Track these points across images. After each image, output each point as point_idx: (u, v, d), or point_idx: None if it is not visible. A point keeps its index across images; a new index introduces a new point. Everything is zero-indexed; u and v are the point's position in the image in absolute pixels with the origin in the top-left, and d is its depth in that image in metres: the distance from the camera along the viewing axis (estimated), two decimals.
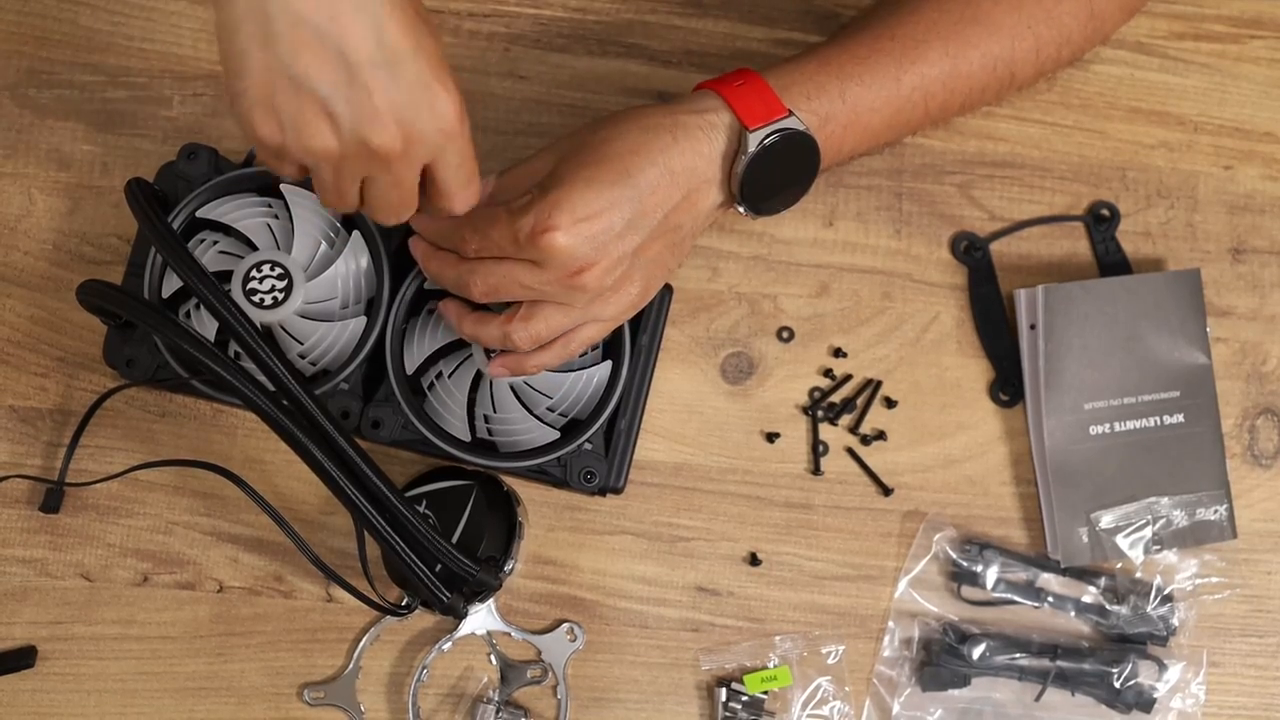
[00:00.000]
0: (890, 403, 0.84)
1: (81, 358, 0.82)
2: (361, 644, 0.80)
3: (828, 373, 0.85)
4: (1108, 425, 0.83)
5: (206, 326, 0.76)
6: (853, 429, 0.84)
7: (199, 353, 0.69)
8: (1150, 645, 0.82)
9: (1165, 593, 0.82)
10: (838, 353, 0.85)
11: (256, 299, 0.76)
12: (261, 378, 0.70)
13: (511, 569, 0.78)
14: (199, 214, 0.79)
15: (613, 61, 0.88)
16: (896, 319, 0.86)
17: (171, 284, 0.77)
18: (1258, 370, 0.86)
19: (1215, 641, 0.83)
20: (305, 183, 0.79)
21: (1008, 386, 0.85)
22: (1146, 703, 0.81)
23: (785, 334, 0.85)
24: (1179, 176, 0.88)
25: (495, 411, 0.78)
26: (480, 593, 0.75)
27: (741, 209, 0.74)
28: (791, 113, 0.72)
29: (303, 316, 0.77)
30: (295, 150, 0.61)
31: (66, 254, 0.84)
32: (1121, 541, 0.82)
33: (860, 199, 0.87)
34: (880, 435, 0.84)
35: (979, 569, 0.82)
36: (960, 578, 0.82)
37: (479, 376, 0.78)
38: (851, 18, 0.87)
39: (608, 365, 0.78)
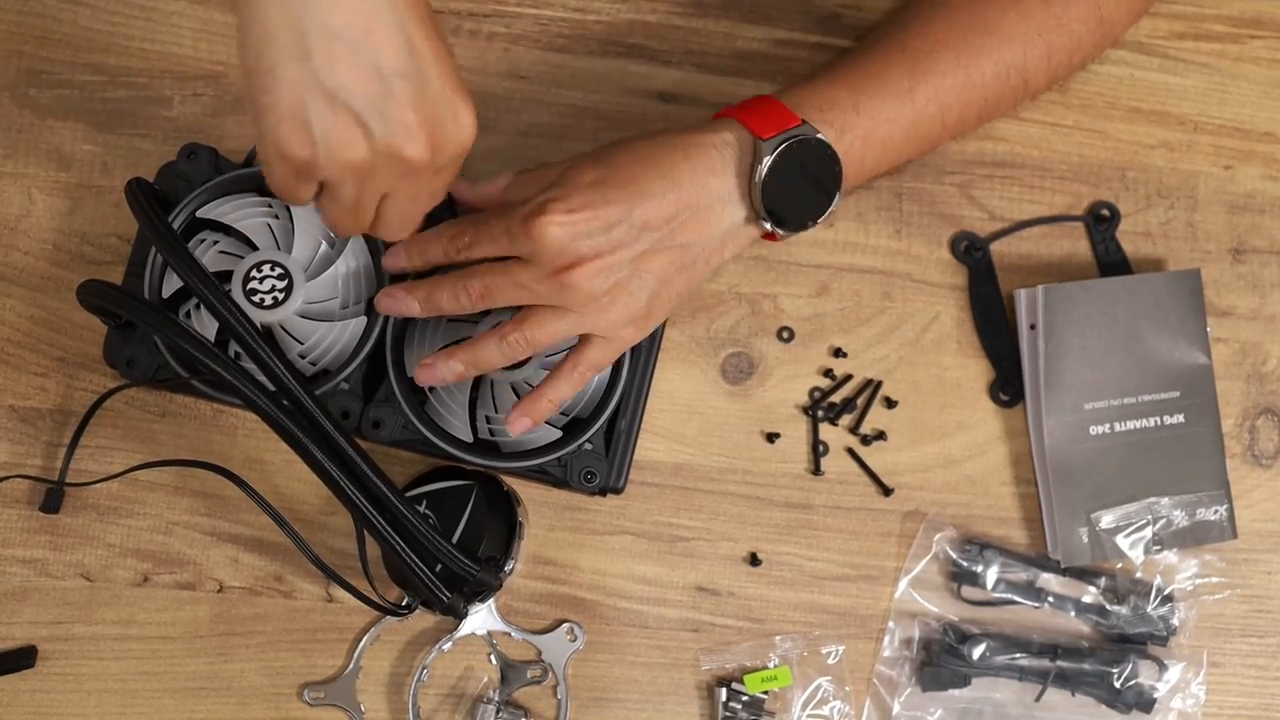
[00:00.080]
0: (890, 403, 0.84)
1: (81, 358, 0.82)
2: (362, 644, 0.80)
3: (828, 373, 0.85)
4: (1108, 425, 0.83)
5: (206, 326, 0.76)
6: (853, 429, 0.84)
7: (199, 353, 0.68)
8: (1150, 645, 0.82)
9: (1165, 593, 0.82)
10: (838, 353, 0.85)
11: (257, 299, 0.76)
12: (262, 378, 0.70)
13: (511, 569, 0.78)
14: (199, 214, 0.79)
15: (613, 61, 0.88)
16: (896, 319, 0.86)
17: (171, 284, 0.77)
18: (1258, 370, 0.86)
19: (1215, 641, 0.83)
20: None
21: (1008, 386, 0.85)
22: (1146, 703, 0.81)
23: (785, 334, 0.85)
24: (1179, 176, 0.88)
25: (496, 411, 0.78)
26: (480, 593, 0.75)
27: (768, 225, 0.73)
28: (805, 122, 0.72)
29: (303, 316, 0.77)
30: (324, 164, 0.60)
31: (66, 254, 0.84)
32: (1121, 541, 0.82)
33: (860, 199, 0.87)
34: (880, 435, 0.84)
35: (979, 569, 0.82)
36: (960, 578, 0.82)
37: (480, 376, 0.78)
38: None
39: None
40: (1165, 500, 0.83)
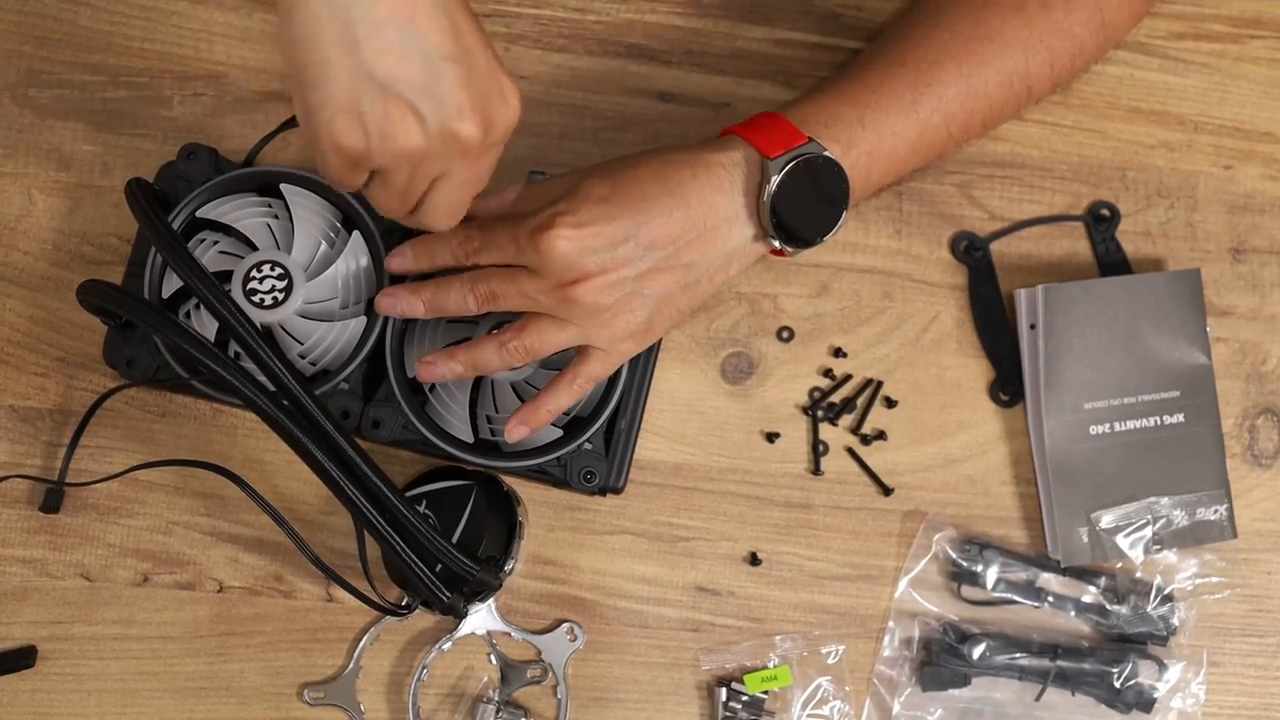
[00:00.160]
0: (890, 403, 0.84)
1: (81, 358, 0.82)
2: (361, 644, 0.80)
3: (828, 373, 0.85)
4: (1108, 425, 0.83)
5: (206, 326, 0.76)
6: (853, 429, 0.84)
7: (199, 353, 0.69)
8: (1150, 645, 0.82)
9: (1165, 593, 0.82)
10: (838, 353, 0.85)
11: (256, 299, 0.76)
12: (261, 378, 0.70)
13: (511, 569, 0.78)
14: (199, 214, 0.79)
15: (613, 61, 0.88)
16: (896, 319, 0.86)
17: (171, 284, 0.78)
18: (1258, 370, 0.86)
19: (1215, 641, 0.83)
20: (313, 183, 0.79)
21: (1008, 386, 0.85)
22: (1146, 703, 0.81)
23: (785, 334, 0.85)
24: (1179, 176, 0.88)
25: (497, 411, 0.78)
26: (480, 593, 0.75)
27: (776, 243, 0.73)
28: (812, 140, 0.72)
29: (303, 316, 0.77)
30: (379, 154, 0.61)
31: (66, 254, 0.84)
32: (1121, 541, 0.82)
33: None
34: (880, 435, 0.84)
35: (979, 569, 0.82)
36: (960, 578, 0.82)
37: (480, 377, 0.78)
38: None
39: None
40: (1165, 500, 0.83)
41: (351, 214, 0.79)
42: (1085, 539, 0.82)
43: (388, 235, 0.78)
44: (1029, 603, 0.82)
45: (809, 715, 0.81)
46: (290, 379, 0.70)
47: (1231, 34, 0.90)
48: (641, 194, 0.71)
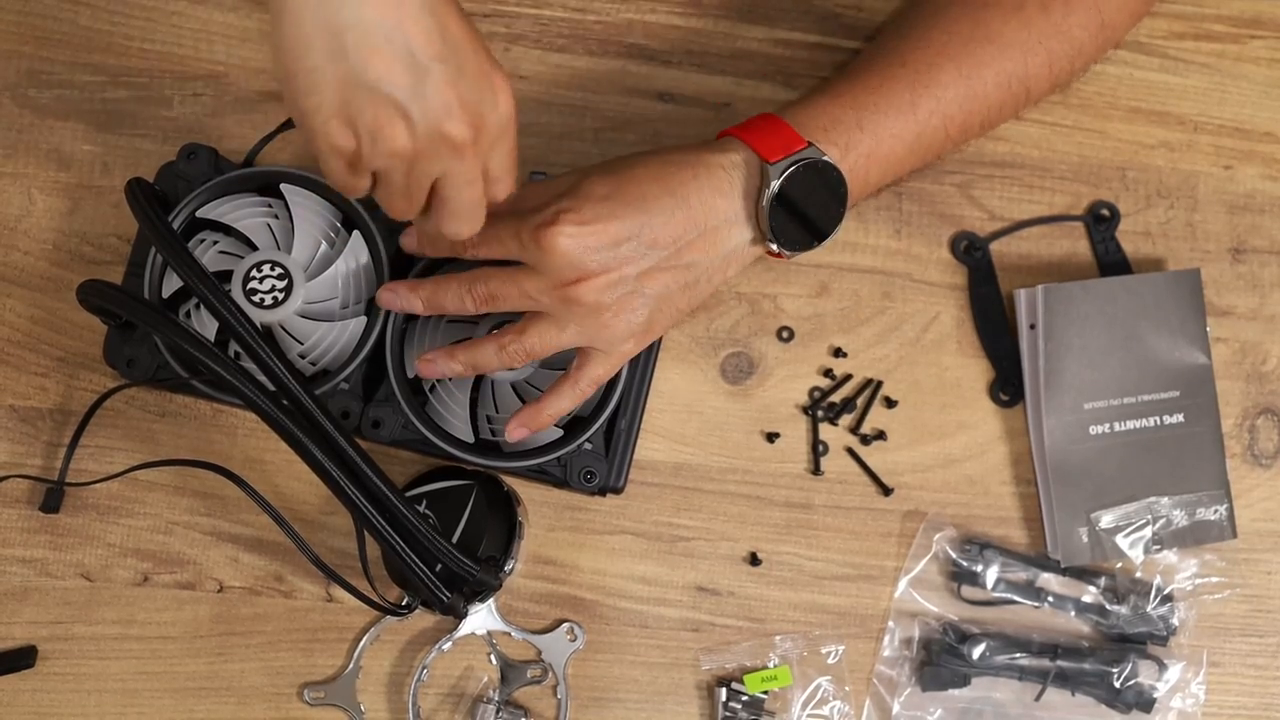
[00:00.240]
0: (890, 403, 0.84)
1: (81, 358, 0.82)
2: (362, 644, 0.80)
3: (828, 373, 0.85)
4: (1108, 425, 0.83)
5: (206, 326, 0.76)
6: (853, 429, 0.84)
7: (199, 353, 0.69)
8: (1150, 645, 0.82)
9: (1165, 593, 0.82)
10: (838, 353, 0.85)
11: (256, 299, 0.76)
12: (261, 378, 0.70)
13: (511, 569, 0.78)
14: (199, 214, 0.79)
15: (613, 61, 0.88)
16: (896, 319, 0.86)
17: (171, 284, 0.78)
18: (1258, 370, 0.86)
19: (1215, 641, 0.83)
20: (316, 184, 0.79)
21: (1008, 386, 0.85)
22: (1146, 703, 0.81)
23: (785, 334, 0.85)
24: (1179, 176, 0.88)
25: (498, 411, 0.78)
26: (480, 592, 0.75)
27: (775, 246, 0.73)
28: (811, 144, 0.73)
29: (303, 316, 0.77)
30: (371, 156, 0.61)
31: (66, 254, 0.84)
32: (1121, 541, 0.82)
33: None
34: (880, 435, 0.84)
35: (979, 569, 0.82)
36: (960, 578, 0.82)
37: (480, 376, 0.78)
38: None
39: None
40: (1165, 500, 0.83)
41: (351, 214, 0.79)
42: (1085, 539, 0.82)
43: (388, 235, 0.78)
44: (1029, 603, 0.82)
45: (809, 715, 0.81)
46: (290, 379, 0.70)
47: (1231, 34, 0.90)
48: (643, 194, 0.71)
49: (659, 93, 0.87)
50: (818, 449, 0.84)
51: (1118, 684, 0.80)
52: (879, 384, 0.85)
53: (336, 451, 0.69)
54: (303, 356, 0.77)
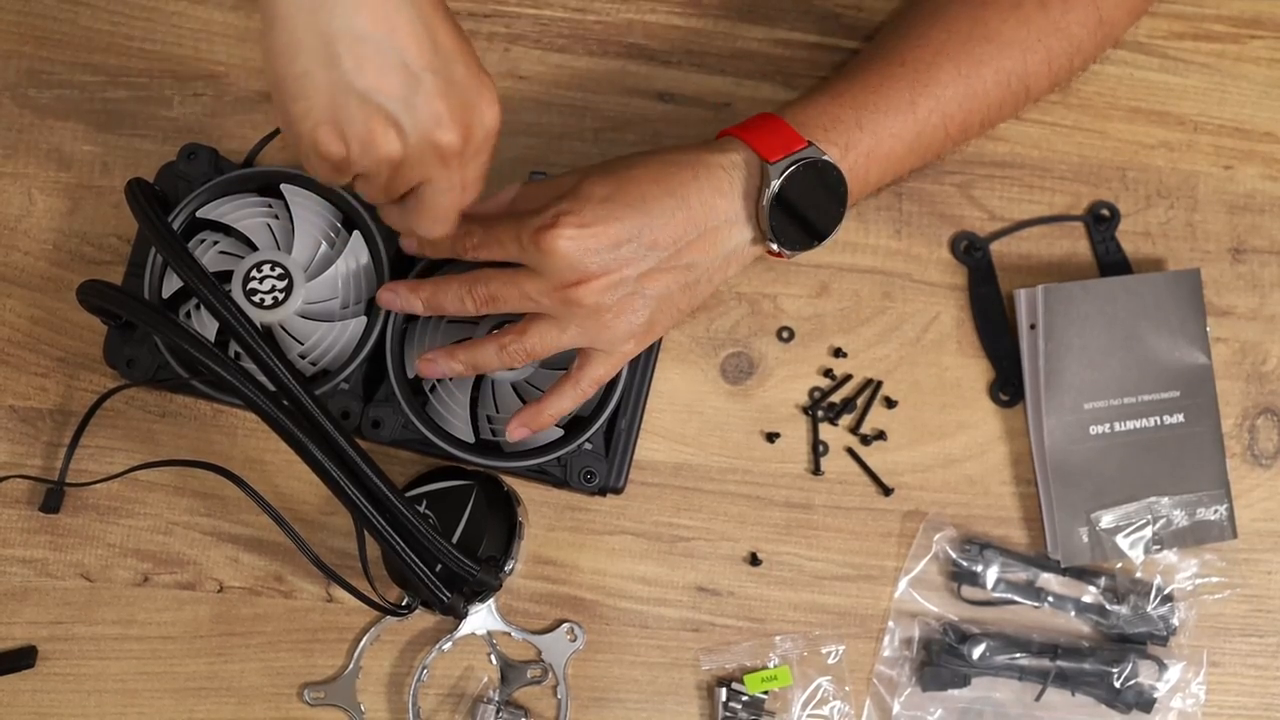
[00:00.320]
0: (890, 403, 0.84)
1: (82, 358, 0.82)
2: (362, 644, 0.80)
3: (828, 373, 0.85)
4: (1108, 425, 0.83)
5: (207, 326, 0.76)
6: (853, 429, 0.84)
7: (199, 353, 0.69)
8: (1150, 645, 0.82)
9: (1165, 593, 0.82)
10: (838, 353, 0.85)
11: (257, 299, 0.76)
12: (262, 378, 0.70)
13: (511, 569, 0.78)
14: (199, 214, 0.79)
15: (613, 61, 0.88)
16: (896, 319, 0.86)
17: (172, 284, 0.78)
18: (1258, 370, 0.86)
19: (1215, 641, 0.83)
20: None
21: (1008, 386, 0.85)
22: (1146, 703, 0.81)
23: (785, 334, 0.85)
24: (1179, 176, 0.88)
25: (498, 411, 0.78)
26: (480, 593, 0.75)
27: (775, 246, 0.74)
28: (811, 144, 0.73)
29: (303, 316, 0.77)
30: (360, 161, 0.62)
31: (66, 254, 0.84)
32: (1121, 541, 0.82)
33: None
34: (880, 435, 0.84)
35: (979, 569, 0.82)
36: (960, 578, 0.82)
37: (480, 376, 0.78)
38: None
39: None
40: (1165, 500, 0.83)
41: (351, 214, 0.79)
42: (1085, 539, 0.82)
43: (388, 236, 0.78)
44: (1029, 603, 0.82)
45: (809, 715, 0.81)
46: (290, 379, 0.70)
47: (1231, 34, 0.90)
48: (642, 195, 0.71)
49: (659, 93, 0.87)
50: (818, 449, 0.84)
51: (1118, 684, 0.80)
52: (879, 384, 0.85)
53: (336, 451, 0.69)
54: (303, 356, 0.77)
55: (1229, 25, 0.90)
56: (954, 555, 0.82)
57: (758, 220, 0.73)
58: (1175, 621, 0.82)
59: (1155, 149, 0.88)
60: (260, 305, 0.76)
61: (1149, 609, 0.82)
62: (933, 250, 0.87)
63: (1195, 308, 0.84)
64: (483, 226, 0.72)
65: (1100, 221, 0.87)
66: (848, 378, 0.85)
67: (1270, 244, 0.88)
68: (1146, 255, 0.87)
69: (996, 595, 0.82)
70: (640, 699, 0.81)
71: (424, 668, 0.79)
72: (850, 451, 0.84)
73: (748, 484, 0.83)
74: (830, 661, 0.81)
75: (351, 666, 0.80)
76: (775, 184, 0.71)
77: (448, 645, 0.80)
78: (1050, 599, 0.82)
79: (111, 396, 0.80)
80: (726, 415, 0.84)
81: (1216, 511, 0.83)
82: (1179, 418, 0.83)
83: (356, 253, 0.78)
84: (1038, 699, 0.81)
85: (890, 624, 0.82)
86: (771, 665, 0.81)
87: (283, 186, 0.79)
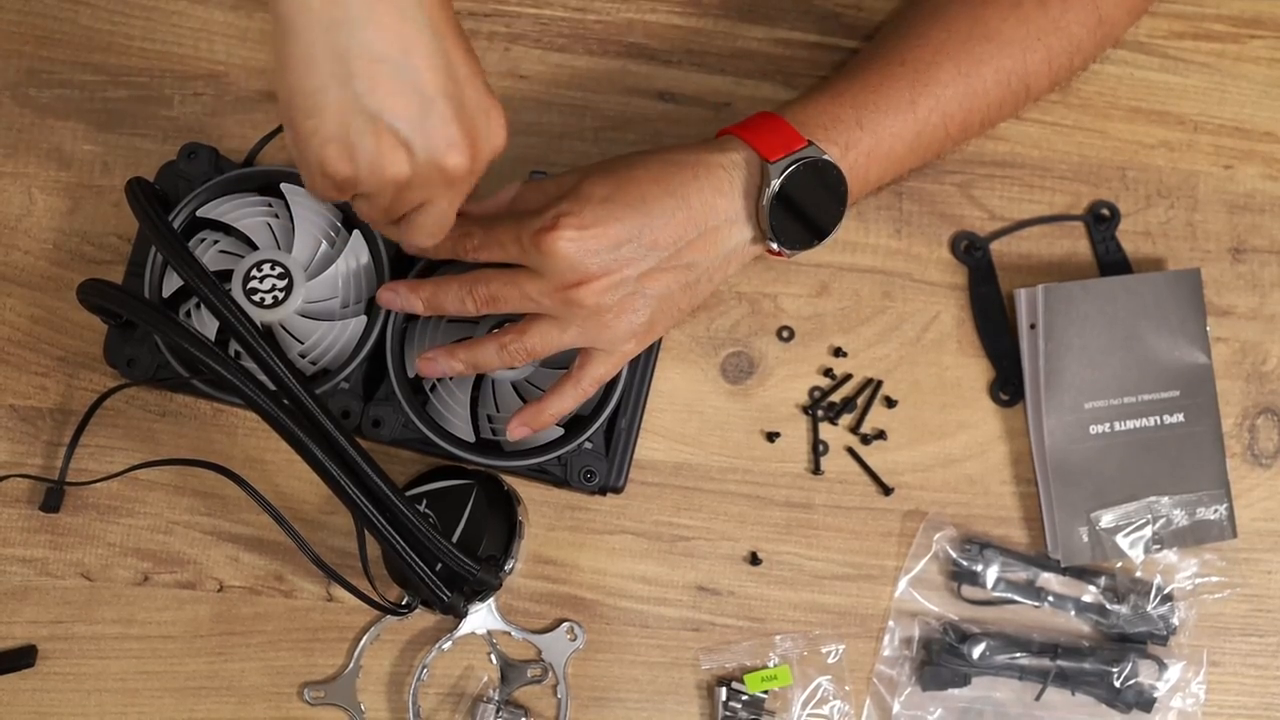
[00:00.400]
0: (890, 402, 0.84)
1: (82, 357, 0.82)
2: (362, 643, 0.80)
3: (828, 372, 0.85)
4: (1108, 425, 0.83)
5: (207, 326, 0.76)
6: (853, 428, 0.84)
7: (199, 352, 0.69)
8: (1150, 645, 0.82)
9: (1165, 592, 0.82)
10: (838, 352, 0.85)
11: (257, 298, 0.76)
12: (262, 377, 0.70)
13: (512, 568, 0.78)
14: (199, 213, 0.79)
15: (613, 61, 0.88)
16: (896, 318, 0.86)
17: (172, 283, 0.78)
18: (1258, 370, 0.86)
19: (1215, 641, 0.83)
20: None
21: (1008, 386, 0.85)
22: (1146, 702, 0.81)
23: (785, 333, 0.85)
24: (1179, 176, 0.88)
25: (498, 410, 0.78)
26: (480, 592, 0.75)
27: (775, 245, 0.74)
28: (811, 143, 0.73)
29: (303, 316, 0.77)
30: (367, 182, 0.61)
31: (67, 253, 0.84)
32: (1121, 541, 0.82)
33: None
34: (880, 435, 0.84)
35: (979, 568, 0.82)
36: (960, 577, 0.82)
37: (481, 376, 0.78)
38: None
39: None
40: (1165, 499, 0.83)
41: (352, 214, 0.79)
42: (1085, 539, 0.82)
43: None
44: (1029, 602, 0.82)
45: (809, 715, 0.81)
46: (291, 378, 0.70)
47: (1231, 34, 0.90)
48: (643, 195, 0.71)
49: (659, 92, 0.87)
50: (818, 449, 0.84)
51: (1118, 683, 0.80)
52: (879, 384, 0.85)
53: (337, 451, 0.69)
54: (303, 356, 0.77)
55: (1229, 25, 0.90)
56: (954, 555, 0.82)
57: (758, 219, 0.73)
58: (1175, 621, 0.82)
59: (1155, 149, 0.89)
60: (260, 304, 0.76)
61: (1149, 608, 0.82)
62: (933, 250, 0.87)
63: (1195, 307, 0.84)
64: (483, 227, 0.72)
65: (1100, 221, 0.87)
66: (848, 377, 0.85)
67: (1270, 244, 0.88)
68: (1146, 255, 0.87)
69: (996, 595, 0.82)
70: (640, 698, 0.81)
71: (424, 667, 0.79)
72: (850, 451, 0.84)
73: (748, 483, 0.83)
74: (830, 661, 0.81)
75: (351, 666, 0.80)
76: (775, 183, 0.71)
77: (448, 644, 0.80)
78: (1050, 598, 0.82)
79: (112, 395, 0.80)
80: (726, 415, 0.84)
81: (1216, 511, 0.83)
82: (1179, 417, 0.83)
83: (357, 252, 0.78)
84: (1038, 698, 0.81)
85: (890, 623, 0.82)
86: (771, 665, 0.81)
87: (283, 186, 0.79)
